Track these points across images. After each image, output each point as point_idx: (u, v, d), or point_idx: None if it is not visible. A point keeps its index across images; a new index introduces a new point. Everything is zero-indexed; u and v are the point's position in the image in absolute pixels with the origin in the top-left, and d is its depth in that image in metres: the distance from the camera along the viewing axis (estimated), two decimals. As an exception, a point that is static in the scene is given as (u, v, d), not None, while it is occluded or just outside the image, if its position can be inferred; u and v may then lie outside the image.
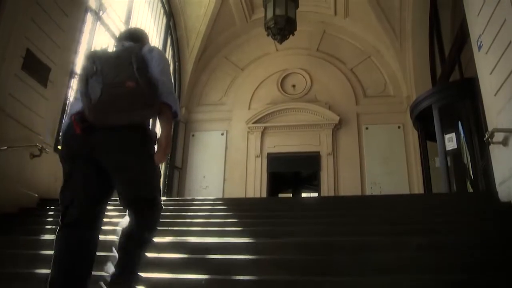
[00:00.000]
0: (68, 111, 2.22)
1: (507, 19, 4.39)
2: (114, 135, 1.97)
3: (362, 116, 10.96)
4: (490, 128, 4.96)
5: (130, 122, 1.98)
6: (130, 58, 2.03)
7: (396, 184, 10.02)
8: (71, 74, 6.71)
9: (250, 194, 10.63)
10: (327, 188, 10.36)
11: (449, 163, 6.90)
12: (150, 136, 2.10)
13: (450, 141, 6.83)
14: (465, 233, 3.36)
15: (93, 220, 2.03)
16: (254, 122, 11.17)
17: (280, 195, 13.72)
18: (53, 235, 1.99)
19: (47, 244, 3.22)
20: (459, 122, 6.94)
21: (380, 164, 10.31)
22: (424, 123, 8.02)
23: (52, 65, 5.98)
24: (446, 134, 6.91)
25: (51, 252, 1.94)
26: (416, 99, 7.98)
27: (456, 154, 6.84)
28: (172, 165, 10.81)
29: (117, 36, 2.47)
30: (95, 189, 2.05)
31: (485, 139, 4.81)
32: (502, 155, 4.62)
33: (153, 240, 2.19)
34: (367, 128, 10.80)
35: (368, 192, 10.12)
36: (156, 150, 2.07)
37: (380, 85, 11.20)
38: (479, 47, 5.41)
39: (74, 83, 6.89)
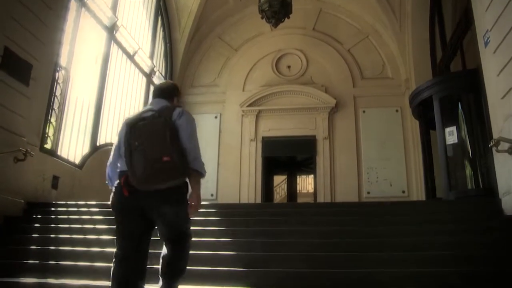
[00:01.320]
0: (111, 165, 2.70)
1: (519, 21, 4.12)
2: (155, 195, 2.46)
3: (359, 99, 10.64)
4: (495, 133, 4.79)
5: (167, 186, 2.46)
6: (165, 130, 2.48)
7: (393, 169, 9.90)
8: (55, 67, 6.38)
9: (245, 179, 10.49)
10: (323, 173, 10.18)
11: (449, 158, 6.71)
12: (183, 192, 2.58)
13: (451, 135, 6.61)
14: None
15: (140, 253, 2.55)
16: (249, 105, 10.85)
17: (275, 177, 13.65)
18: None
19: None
20: (461, 115, 6.70)
21: (377, 149, 10.10)
22: (424, 109, 7.75)
23: (34, 62, 5.63)
24: (446, 127, 6.69)
25: None
26: (416, 89, 7.68)
27: (457, 148, 6.64)
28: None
29: (153, 91, 2.91)
30: (140, 231, 2.56)
31: (490, 145, 4.63)
32: (508, 164, 4.44)
33: (185, 269, 2.65)
34: (364, 112, 10.52)
35: (364, 177, 9.99)
36: (188, 203, 2.57)
37: (378, 66, 10.84)
38: (486, 43, 5.13)
39: (60, 77, 6.57)
